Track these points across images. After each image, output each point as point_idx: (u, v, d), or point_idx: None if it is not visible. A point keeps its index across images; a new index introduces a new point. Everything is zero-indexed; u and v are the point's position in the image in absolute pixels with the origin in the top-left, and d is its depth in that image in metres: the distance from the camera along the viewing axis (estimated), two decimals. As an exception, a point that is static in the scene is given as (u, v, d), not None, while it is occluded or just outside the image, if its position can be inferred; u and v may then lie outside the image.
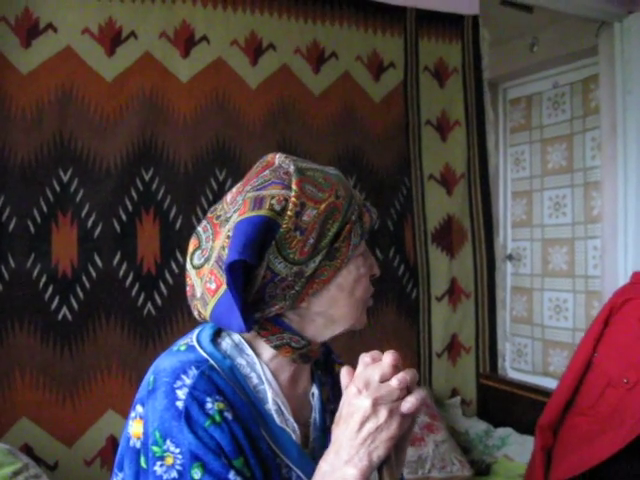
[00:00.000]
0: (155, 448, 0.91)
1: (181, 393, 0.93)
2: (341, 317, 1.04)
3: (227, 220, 0.99)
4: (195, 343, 1.02)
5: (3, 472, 1.95)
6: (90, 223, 2.53)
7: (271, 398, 1.01)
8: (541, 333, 3.83)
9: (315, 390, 1.10)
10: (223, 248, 0.96)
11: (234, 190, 1.05)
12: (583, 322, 3.63)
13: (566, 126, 3.71)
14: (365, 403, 0.88)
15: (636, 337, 1.99)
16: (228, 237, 0.95)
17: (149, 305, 2.60)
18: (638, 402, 1.87)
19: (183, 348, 1.01)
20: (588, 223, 3.61)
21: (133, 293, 2.58)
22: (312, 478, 0.92)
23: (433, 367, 3.25)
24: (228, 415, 0.93)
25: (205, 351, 1.00)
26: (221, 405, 0.93)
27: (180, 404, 0.92)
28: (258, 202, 0.96)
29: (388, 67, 3.16)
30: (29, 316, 2.42)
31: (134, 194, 2.59)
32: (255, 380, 1.02)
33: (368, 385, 0.90)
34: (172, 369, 0.96)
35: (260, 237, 0.93)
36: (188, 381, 0.94)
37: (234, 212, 0.98)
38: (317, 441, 1.07)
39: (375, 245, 3.11)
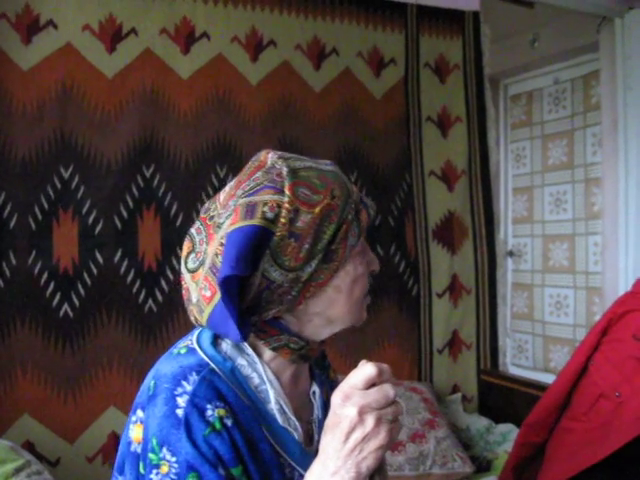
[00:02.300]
0: (152, 455, 0.90)
1: (181, 400, 0.91)
2: (339, 317, 1.03)
3: (219, 226, 0.97)
4: (196, 345, 1.01)
5: (5, 469, 1.96)
6: (91, 220, 2.53)
7: (273, 398, 1.00)
8: (542, 329, 3.83)
9: (316, 388, 1.09)
10: (216, 255, 0.94)
11: (227, 189, 1.03)
12: (584, 318, 3.64)
13: (567, 122, 3.71)
14: (351, 412, 0.84)
15: (631, 353, 1.98)
16: (221, 244, 0.94)
17: (150, 301, 2.60)
18: (627, 417, 1.86)
19: (183, 351, 1.00)
20: (589, 219, 3.60)
21: (134, 290, 2.58)
22: None
23: (434, 363, 3.25)
24: (228, 421, 0.92)
25: (206, 354, 0.99)
26: (222, 411, 0.92)
27: (180, 412, 0.90)
28: (250, 210, 0.94)
29: (389, 63, 3.15)
30: (30, 313, 2.43)
31: (135, 190, 2.59)
32: (257, 380, 1.01)
33: (352, 393, 0.85)
34: (172, 375, 0.94)
35: (253, 248, 0.91)
36: (189, 387, 0.92)
37: (226, 218, 0.96)
38: (320, 435, 1.06)
39: (376, 241, 3.11)
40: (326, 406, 1.10)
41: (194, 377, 0.94)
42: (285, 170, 0.98)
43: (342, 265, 0.99)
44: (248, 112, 2.81)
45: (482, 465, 2.76)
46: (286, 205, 0.94)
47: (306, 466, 0.96)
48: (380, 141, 3.11)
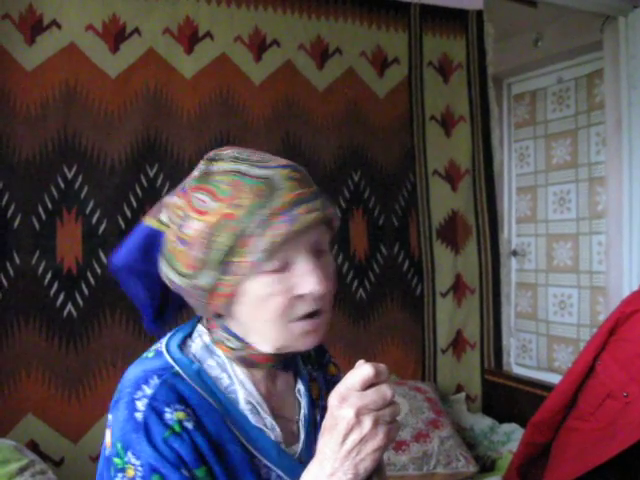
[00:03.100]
0: (117, 460, 0.90)
1: (140, 404, 0.91)
2: (263, 334, 0.96)
3: None
4: (163, 348, 1.00)
5: (10, 468, 1.96)
6: (95, 219, 2.53)
7: (242, 398, 0.98)
8: (546, 329, 3.83)
9: (301, 386, 1.07)
10: None
11: None
12: (588, 318, 3.63)
13: (571, 121, 3.70)
14: (348, 414, 0.82)
15: (638, 353, 1.97)
16: None
17: (154, 302, 2.60)
18: (634, 417, 1.86)
19: (151, 355, 1.00)
20: (593, 218, 3.60)
21: (138, 289, 2.58)
22: None
23: (438, 363, 3.25)
24: (188, 425, 0.90)
25: (172, 357, 0.98)
26: (181, 414, 0.90)
27: (139, 415, 0.90)
28: (157, 209, 0.96)
29: (392, 63, 3.15)
30: (34, 313, 2.43)
31: (138, 190, 2.60)
32: (226, 381, 0.99)
33: (349, 394, 0.83)
34: (135, 379, 0.94)
35: (144, 246, 0.93)
36: (149, 391, 0.92)
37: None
38: (309, 437, 1.04)
39: (380, 241, 3.11)
40: (315, 404, 1.09)
41: (155, 381, 0.93)
42: (197, 172, 0.95)
43: (244, 280, 0.91)
44: (251, 112, 2.81)
45: (486, 465, 2.76)
46: (178, 211, 0.93)
47: (285, 466, 0.97)
48: (384, 140, 3.11)
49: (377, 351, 3.08)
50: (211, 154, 0.97)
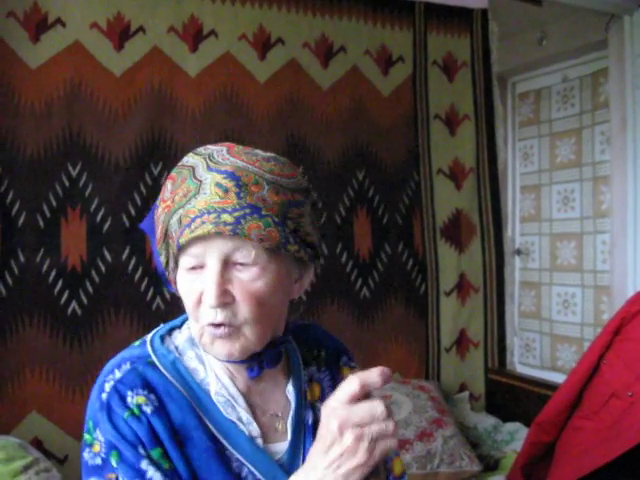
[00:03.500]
0: (87, 435, 0.96)
1: (107, 386, 0.97)
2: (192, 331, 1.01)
3: None
4: (148, 338, 1.05)
5: (14, 466, 1.97)
6: (99, 217, 2.53)
7: (214, 391, 1.01)
8: (549, 328, 3.82)
9: (290, 387, 1.08)
10: None
11: None
12: (591, 317, 3.62)
13: (575, 120, 3.70)
14: (332, 426, 0.82)
15: None
16: None
17: (158, 299, 2.60)
18: (639, 416, 1.85)
19: (137, 343, 1.05)
20: (597, 217, 3.59)
21: (142, 287, 2.59)
22: None
23: (442, 362, 3.25)
24: (147, 409, 0.95)
25: (152, 346, 1.03)
26: (141, 399, 0.95)
27: (104, 396, 0.96)
28: None
29: (397, 61, 3.15)
30: (39, 310, 2.43)
31: (143, 189, 2.60)
32: (202, 374, 1.03)
33: (337, 407, 0.83)
34: (111, 364, 1.01)
35: (151, 221, 1.04)
36: (118, 375, 0.97)
37: None
38: (296, 437, 1.05)
39: (384, 240, 3.11)
40: (312, 405, 1.10)
41: (126, 367, 0.99)
42: (181, 162, 1.00)
43: (176, 272, 1.00)
44: (256, 110, 2.81)
45: (490, 464, 2.75)
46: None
47: (258, 462, 0.98)
48: (388, 139, 3.11)
49: (381, 350, 3.08)
50: (208, 147, 0.99)
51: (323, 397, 1.12)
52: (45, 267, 2.45)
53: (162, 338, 1.06)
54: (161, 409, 0.96)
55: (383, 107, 3.10)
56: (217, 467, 0.96)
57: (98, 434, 0.95)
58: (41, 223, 2.45)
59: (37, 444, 2.37)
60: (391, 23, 3.13)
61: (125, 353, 1.03)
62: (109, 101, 2.55)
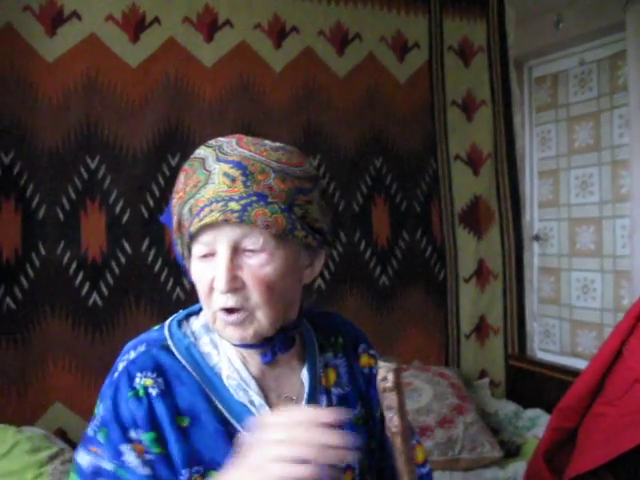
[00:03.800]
0: (95, 410, 1.02)
1: (121, 366, 1.02)
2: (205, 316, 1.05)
3: None
4: (167, 323, 1.09)
5: (40, 456, 1.99)
6: (118, 209, 2.55)
7: (226, 375, 1.03)
8: (569, 313, 3.80)
9: (305, 372, 1.09)
10: None
11: None
12: (611, 302, 3.60)
13: (593, 104, 3.66)
14: (250, 438, 0.84)
15: None
16: None
17: (178, 289, 2.62)
18: None
19: (156, 327, 1.09)
20: (616, 202, 3.55)
21: (162, 278, 2.60)
22: None
23: (461, 348, 3.25)
24: (152, 391, 0.98)
25: (169, 331, 1.07)
26: (148, 382, 0.98)
27: (115, 375, 1.01)
28: None
29: (412, 47, 3.13)
30: (60, 302, 2.46)
31: (161, 180, 2.61)
32: (216, 358, 1.05)
33: (266, 423, 0.84)
34: (129, 345, 1.06)
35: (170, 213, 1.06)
36: (132, 356, 1.02)
37: None
38: None
39: (402, 227, 3.11)
40: (326, 390, 1.10)
41: (141, 348, 1.03)
42: (193, 154, 1.02)
43: (190, 260, 1.02)
44: (272, 99, 2.81)
45: (511, 450, 2.75)
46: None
47: None
48: (405, 126, 3.10)
49: (400, 337, 3.09)
50: (222, 139, 1.02)
51: (338, 383, 1.13)
52: (66, 259, 2.47)
53: (180, 323, 1.09)
54: (167, 392, 0.99)
55: (399, 94, 3.09)
56: (226, 448, 0.98)
57: (100, 409, 0.99)
58: (61, 216, 2.47)
59: (61, 434, 2.40)
60: (406, 9, 3.12)
61: (144, 336, 1.07)
62: (126, 93, 2.57)
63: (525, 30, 3.55)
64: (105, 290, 2.52)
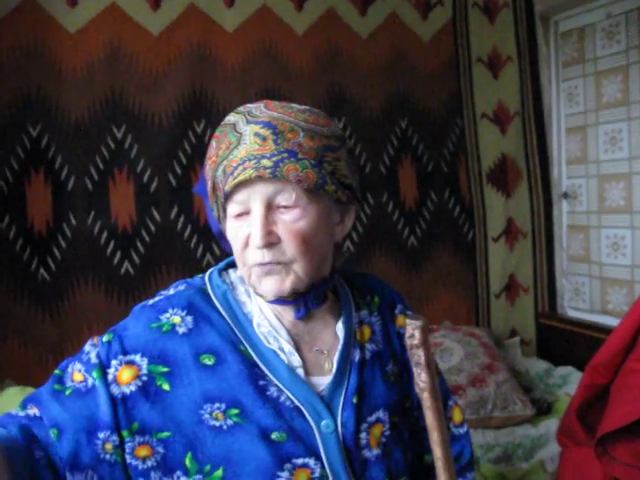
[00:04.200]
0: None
1: (158, 298, 1.08)
2: (241, 272, 1.08)
3: None
4: (209, 271, 1.14)
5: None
6: (146, 178, 2.56)
7: (256, 323, 1.06)
8: (599, 271, 3.77)
9: (341, 325, 1.11)
10: None
11: None
12: (642, 258, 3.56)
13: (621, 57, 3.58)
14: None
15: None
16: None
17: (208, 255, 2.64)
18: None
19: (200, 275, 1.14)
20: (646, 157, 3.51)
21: (192, 244, 2.62)
22: None
23: (491, 308, 3.25)
24: (179, 329, 1.03)
25: (209, 278, 1.12)
26: (177, 319, 1.04)
27: (150, 302, 1.08)
28: None
29: (436, 5, 3.09)
30: (93, 272, 2.50)
31: (187, 147, 2.61)
32: (249, 307, 1.09)
33: None
34: (174, 284, 1.12)
35: (203, 184, 1.11)
36: (171, 292, 1.09)
37: None
38: (341, 372, 1.08)
39: (429, 187, 3.09)
40: (359, 345, 1.12)
41: (181, 287, 1.10)
42: (223, 121, 1.05)
43: (225, 221, 1.06)
44: (295, 62, 2.79)
45: (542, 408, 2.76)
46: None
47: (297, 389, 1.03)
48: (430, 85, 3.07)
49: (430, 298, 3.09)
50: (249, 105, 1.05)
51: (372, 339, 1.15)
52: (96, 229, 2.49)
53: (220, 273, 1.13)
54: (195, 331, 1.03)
55: (424, 53, 3.06)
56: (250, 389, 1.01)
57: (122, 321, 1.07)
58: (90, 186, 2.49)
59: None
60: (429, -34, 3.06)
61: (189, 279, 1.13)
62: (149, 61, 2.57)
63: (550, -17, 3.48)
64: (136, 258, 2.55)
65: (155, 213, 2.57)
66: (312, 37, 2.82)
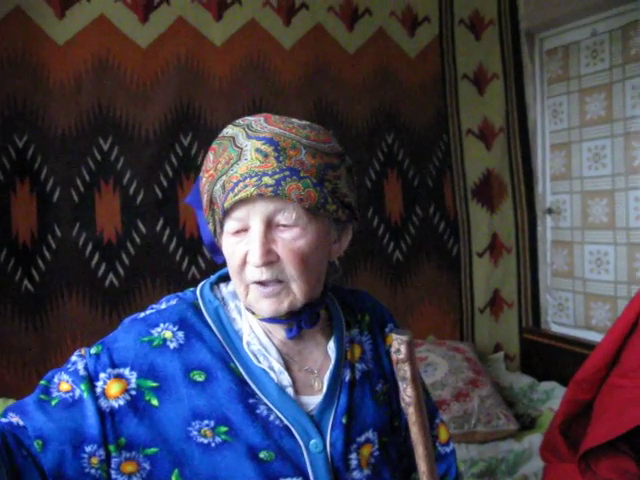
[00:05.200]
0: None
1: (149, 311, 1.07)
2: (236, 290, 1.06)
3: None
4: (200, 285, 1.13)
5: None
6: (132, 190, 2.56)
7: (246, 341, 1.05)
8: (582, 286, 3.79)
9: (332, 345, 1.10)
10: None
11: None
12: (625, 275, 3.59)
13: (605, 75, 3.62)
14: None
15: None
16: None
17: (193, 268, 2.63)
18: None
19: (191, 289, 1.13)
20: (629, 174, 3.53)
21: (177, 257, 2.61)
22: None
23: (476, 322, 3.26)
24: (170, 345, 1.02)
25: (201, 292, 1.10)
26: (168, 334, 1.03)
27: (142, 315, 1.07)
28: None
29: (423, 21, 3.11)
30: (77, 283, 2.48)
31: (174, 159, 2.61)
32: (240, 324, 1.08)
33: None
34: (166, 297, 1.11)
35: (196, 195, 1.10)
36: (163, 306, 1.07)
37: None
38: (331, 392, 1.07)
39: (415, 202, 3.11)
40: (350, 364, 1.11)
41: (173, 302, 1.08)
42: (220, 133, 1.04)
43: (221, 237, 1.04)
44: (283, 77, 2.80)
45: (526, 423, 2.77)
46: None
47: (287, 409, 1.02)
48: (416, 101, 3.09)
49: (414, 312, 3.10)
50: (249, 117, 1.03)
51: (363, 359, 1.14)
52: (81, 241, 2.49)
53: (211, 286, 1.12)
54: (186, 347, 1.02)
55: (410, 69, 3.08)
56: (239, 407, 1.00)
57: (111, 335, 1.05)
58: (75, 198, 2.49)
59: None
60: (415, -17, 3.09)
61: (180, 293, 1.12)
62: (137, 74, 2.57)
63: (536, 1, 3.52)
64: (121, 270, 2.54)
65: (141, 225, 2.57)
66: (300, 52, 2.84)
